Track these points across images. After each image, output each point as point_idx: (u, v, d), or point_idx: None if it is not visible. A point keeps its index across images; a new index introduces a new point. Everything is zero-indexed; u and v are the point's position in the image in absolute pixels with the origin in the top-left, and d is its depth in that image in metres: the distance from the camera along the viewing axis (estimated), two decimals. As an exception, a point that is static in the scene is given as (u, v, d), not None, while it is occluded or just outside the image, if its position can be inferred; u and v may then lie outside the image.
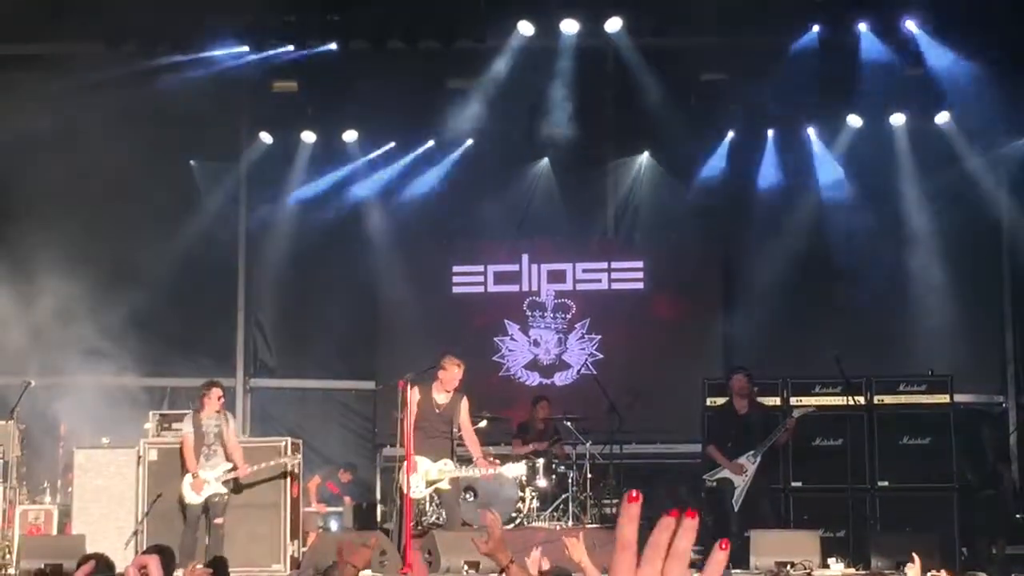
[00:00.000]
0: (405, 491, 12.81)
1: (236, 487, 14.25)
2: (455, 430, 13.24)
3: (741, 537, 13.70)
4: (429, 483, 12.74)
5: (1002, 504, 16.51)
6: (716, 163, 18.72)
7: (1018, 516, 16.21)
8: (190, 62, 17.42)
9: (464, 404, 13.21)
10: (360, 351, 19.21)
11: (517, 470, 14.20)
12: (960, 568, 14.41)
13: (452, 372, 13.05)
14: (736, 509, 14.16)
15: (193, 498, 14.00)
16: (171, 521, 14.30)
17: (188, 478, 14.05)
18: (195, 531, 13.99)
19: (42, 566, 12.90)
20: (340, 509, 17.53)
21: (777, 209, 18.55)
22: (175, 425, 15.25)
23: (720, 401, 15.59)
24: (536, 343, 18.79)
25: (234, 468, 14.07)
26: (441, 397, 13.04)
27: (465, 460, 13.59)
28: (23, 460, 15.69)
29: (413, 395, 12.98)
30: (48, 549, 13.71)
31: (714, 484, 14.65)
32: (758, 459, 14.16)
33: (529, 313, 18.85)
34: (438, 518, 13.95)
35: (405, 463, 12.97)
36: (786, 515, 15.37)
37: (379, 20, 17.15)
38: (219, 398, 14.23)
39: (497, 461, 13.50)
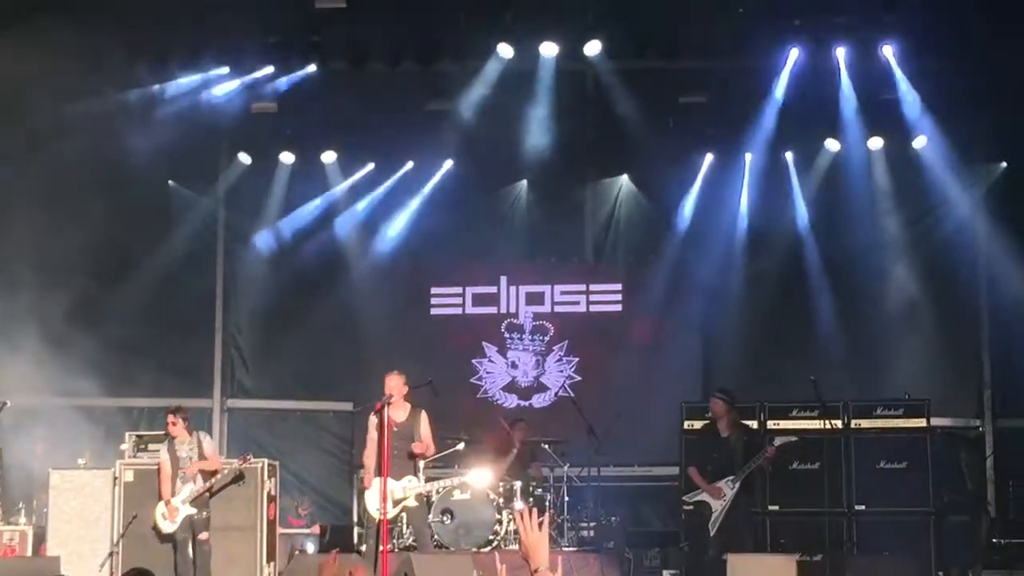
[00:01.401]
0: (373, 514, 12.74)
1: (205, 503, 14.09)
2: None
3: (719, 561, 13.69)
4: (395, 502, 12.65)
5: (979, 529, 16.51)
6: (695, 186, 18.78)
7: (995, 541, 16.21)
8: (170, 81, 17.40)
9: (423, 417, 13.11)
10: (338, 372, 19.17)
11: (484, 476, 14.15)
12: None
13: (388, 384, 12.90)
14: (712, 533, 14.07)
15: (167, 527, 13.91)
16: (147, 543, 14.21)
17: (161, 507, 13.97)
18: (186, 553, 13.89)
19: (16, 588, 12.82)
20: (317, 531, 17.49)
21: (755, 232, 18.60)
22: (152, 446, 15.18)
23: (698, 424, 15.58)
24: (514, 365, 18.79)
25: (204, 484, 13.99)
26: (398, 415, 12.93)
27: (432, 478, 13.51)
28: (-2, 480, 15.63)
29: (372, 419, 12.90)
30: (22, 571, 13.62)
31: (692, 507, 14.59)
32: (737, 485, 14.04)
33: (507, 335, 18.86)
34: (413, 540, 13.91)
35: (366, 486, 12.93)
36: (763, 539, 15.35)
37: (359, 42, 17.15)
38: (172, 424, 14.09)
39: (424, 449, 13.17)
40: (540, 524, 5.44)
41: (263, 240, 19.12)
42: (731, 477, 14.07)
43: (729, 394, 14.61)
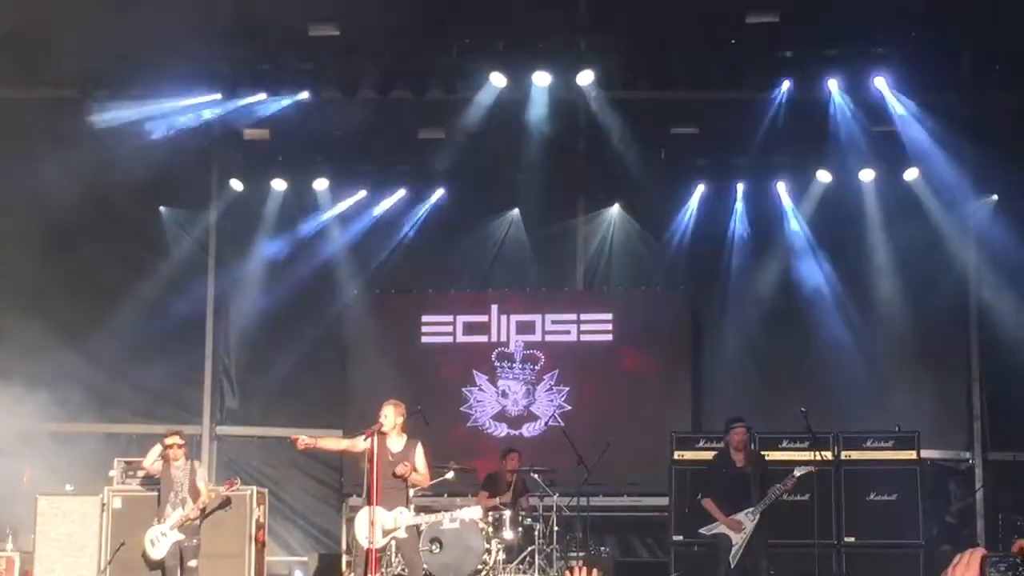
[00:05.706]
0: (361, 543, 12.64)
1: (196, 530, 14.03)
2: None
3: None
4: (385, 532, 12.58)
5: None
6: (686, 216, 18.79)
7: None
8: (162, 108, 17.39)
9: (419, 449, 12.99)
10: (328, 399, 19.09)
11: (473, 513, 14.10)
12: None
13: (383, 412, 12.77)
14: (732, 566, 13.85)
15: (156, 553, 13.85)
16: (133, 570, 14.15)
17: (149, 532, 13.90)
18: None
19: (2, 613, 12.77)
20: (304, 558, 17.44)
21: (746, 263, 18.61)
22: (140, 472, 15.13)
23: (688, 455, 15.53)
24: (504, 394, 18.74)
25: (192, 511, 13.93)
26: (395, 445, 12.85)
27: (422, 507, 13.43)
28: (-15, 506, 15.56)
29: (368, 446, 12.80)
30: (8, 597, 13.57)
31: (709, 540, 14.31)
32: (757, 517, 13.84)
33: (498, 364, 18.81)
34: (403, 569, 13.84)
35: (357, 515, 12.80)
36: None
37: (351, 69, 17.18)
38: (179, 447, 14.09)
39: (411, 469, 12.98)
40: None
41: (254, 267, 19.08)
42: (750, 509, 13.85)
43: (746, 424, 14.40)
